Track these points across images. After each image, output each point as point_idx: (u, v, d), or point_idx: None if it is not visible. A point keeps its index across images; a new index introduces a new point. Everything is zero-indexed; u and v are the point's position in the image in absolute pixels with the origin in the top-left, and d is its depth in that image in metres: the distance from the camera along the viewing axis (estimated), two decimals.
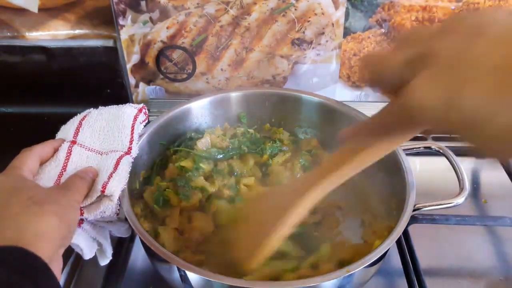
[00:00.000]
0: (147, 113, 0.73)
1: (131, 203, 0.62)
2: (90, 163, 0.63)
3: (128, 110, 0.70)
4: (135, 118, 0.69)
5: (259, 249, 0.55)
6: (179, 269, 0.55)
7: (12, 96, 1.00)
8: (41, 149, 0.61)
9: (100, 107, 0.71)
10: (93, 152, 0.64)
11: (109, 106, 0.71)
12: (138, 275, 0.72)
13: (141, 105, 0.73)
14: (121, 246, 0.72)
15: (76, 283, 0.70)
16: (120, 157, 0.62)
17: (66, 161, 0.62)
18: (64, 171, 0.61)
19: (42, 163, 0.61)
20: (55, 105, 0.99)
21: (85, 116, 0.68)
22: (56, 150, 0.63)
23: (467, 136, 0.35)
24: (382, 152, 0.48)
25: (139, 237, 0.58)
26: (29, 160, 0.58)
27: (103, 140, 0.66)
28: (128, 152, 0.64)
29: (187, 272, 0.54)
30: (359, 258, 0.55)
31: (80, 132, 0.66)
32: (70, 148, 0.63)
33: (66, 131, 0.67)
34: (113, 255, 0.64)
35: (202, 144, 0.75)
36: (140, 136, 0.70)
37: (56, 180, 0.60)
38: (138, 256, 0.74)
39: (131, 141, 0.66)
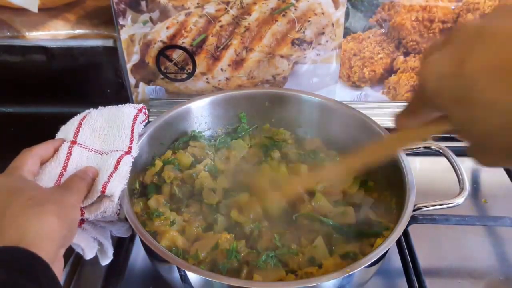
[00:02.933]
0: (147, 113, 0.73)
1: (131, 203, 0.62)
2: (90, 163, 0.63)
3: (128, 110, 0.70)
4: (135, 118, 0.69)
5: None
6: (179, 269, 0.55)
7: (12, 96, 1.00)
8: (41, 149, 0.61)
9: (100, 107, 0.71)
10: (93, 152, 0.64)
11: (109, 106, 0.71)
12: (138, 275, 0.72)
13: (141, 105, 0.73)
14: (121, 246, 0.72)
15: (76, 283, 0.70)
16: (121, 157, 0.62)
17: (66, 161, 0.62)
18: (65, 171, 0.61)
19: (43, 163, 0.61)
20: (55, 105, 0.99)
21: (85, 116, 0.68)
22: (56, 150, 0.63)
23: (467, 116, 0.34)
24: (419, 136, 0.47)
25: (139, 237, 0.58)
26: (29, 160, 0.58)
27: (103, 140, 0.66)
28: (128, 152, 0.64)
29: (187, 272, 0.54)
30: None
31: (80, 132, 0.66)
32: (70, 148, 0.63)
33: (66, 131, 0.67)
34: (113, 255, 0.64)
35: None
36: (140, 136, 0.70)
37: (57, 180, 0.60)
38: (138, 256, 0.74)
39: (131, 141, 0.66)
